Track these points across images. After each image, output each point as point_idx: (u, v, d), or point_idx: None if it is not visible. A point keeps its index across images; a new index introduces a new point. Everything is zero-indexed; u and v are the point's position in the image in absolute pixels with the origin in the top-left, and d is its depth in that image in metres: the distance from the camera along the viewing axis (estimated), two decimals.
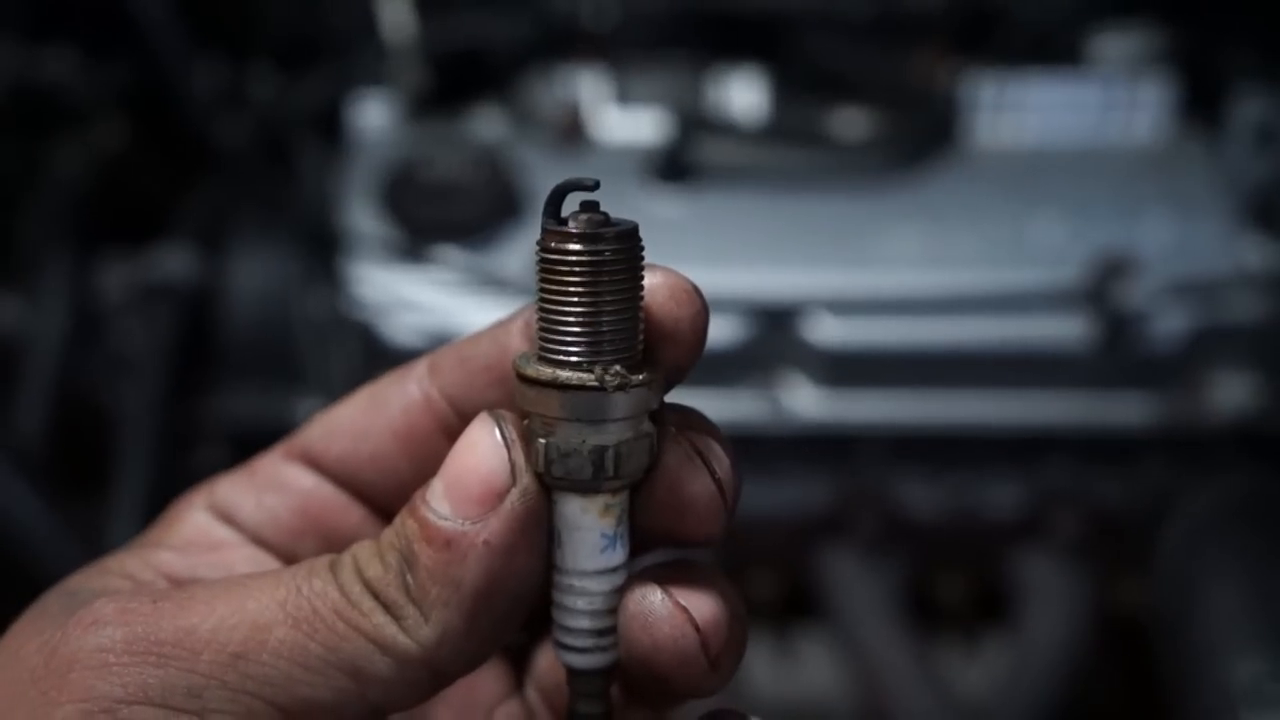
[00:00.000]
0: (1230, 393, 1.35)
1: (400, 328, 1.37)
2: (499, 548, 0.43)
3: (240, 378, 1.39)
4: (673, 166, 1.44)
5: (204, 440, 1.39)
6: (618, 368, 0.43)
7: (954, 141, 1.48)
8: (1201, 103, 1.50)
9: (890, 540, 1.38)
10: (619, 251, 0.43)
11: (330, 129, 1.52)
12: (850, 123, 1.50)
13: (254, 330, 1.39)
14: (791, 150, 1.46)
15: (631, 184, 1.44)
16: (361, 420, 0.50)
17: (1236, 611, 1.15)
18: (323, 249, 1.40)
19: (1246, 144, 1.45)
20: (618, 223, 0.44)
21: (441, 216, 1.38)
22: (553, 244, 0.43)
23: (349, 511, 0.51)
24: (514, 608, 0.44)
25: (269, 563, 0.50)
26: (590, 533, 0.45)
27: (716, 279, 1.34)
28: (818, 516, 1.38)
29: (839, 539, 1.38)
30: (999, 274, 1.36)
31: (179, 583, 0.48)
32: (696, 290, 0.46)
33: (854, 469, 1.38)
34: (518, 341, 0.48)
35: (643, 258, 0.44)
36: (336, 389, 1.35)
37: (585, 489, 0.44)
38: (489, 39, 1.55)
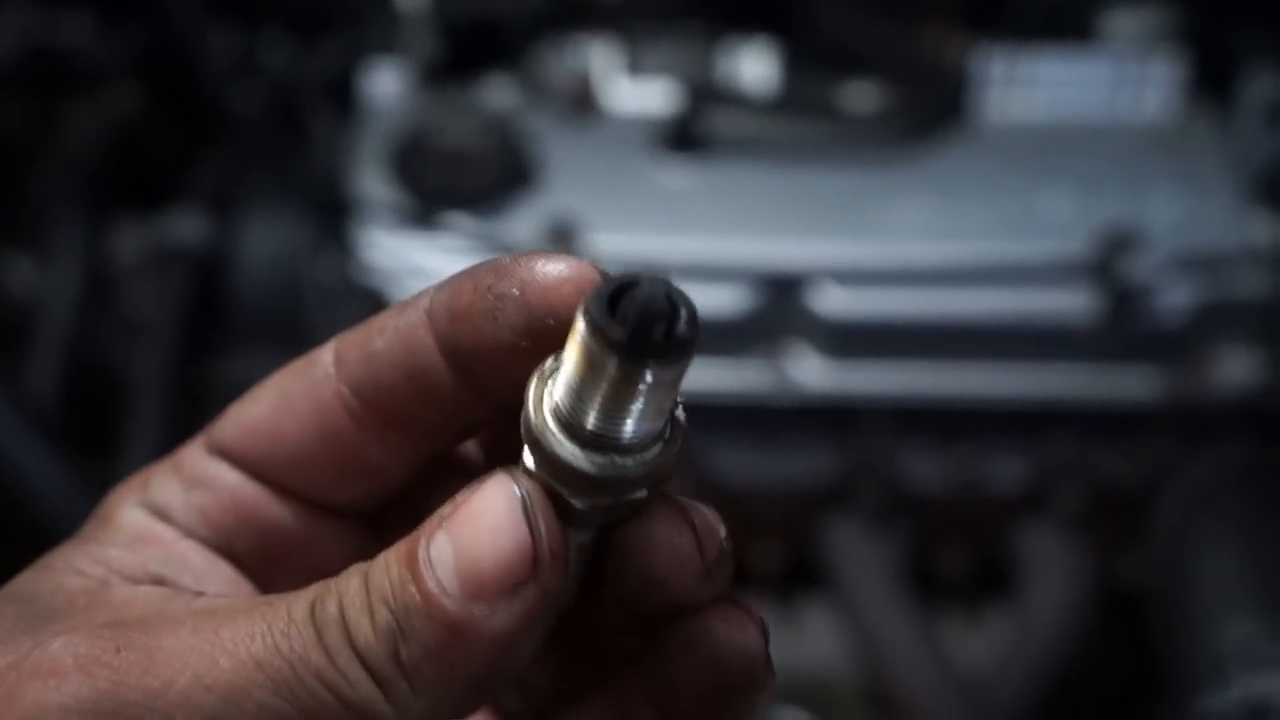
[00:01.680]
0: (1235, 368, 1.35)
1: (409, 293, 1.37)
2: (504, 638, 0.40)
3: (250, 341, 1.39)
4: (683, 137, 1.44)
5: (215, 403, 1.40)
6: (648, 447, 0.41)
7: (964, 116, 1.48)
8: (1212, 80, 1.50)
9: (894, 512, 1.38)
10: (670, 365, 0.39)
11: (342, 97, 1.52)
12: (860, 96, 1.50)
13: (265, 295, 1.40)
14: (801, 122, 1.46)
15: (641, 154, 1.44)
16: (273, 420, 0.48)
17: (1230, 576, 1.16)
18: (333, 215, 1.41)
19: (1257, 122, 1.45)
20: (676, 302, 0.38)
21: (452, 183, 1.39)
22: (603, 345, 0.39)
23: (278, 506, 0.49)
24: (506, 682, 0.42)
25: (212, 557, 0.49)
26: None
27: (724, 248, 1.36)
28: (821, 487, 1.38)
29: (842, 510, 1.38)
30: (1006, 247, 1.36)
31: (132, 579, 0.47)
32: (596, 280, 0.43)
33: (858, 440, 1.39)
34: (424, 336, 0.45)
35: (697, 343, 0.39)
36: None
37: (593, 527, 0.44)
38: (501, 9, 1.55)
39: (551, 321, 0.42)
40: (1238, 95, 1.46)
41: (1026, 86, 1.49)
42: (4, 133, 1.51)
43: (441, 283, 0.45)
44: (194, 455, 0.49)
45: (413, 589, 0.40)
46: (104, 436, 1.34)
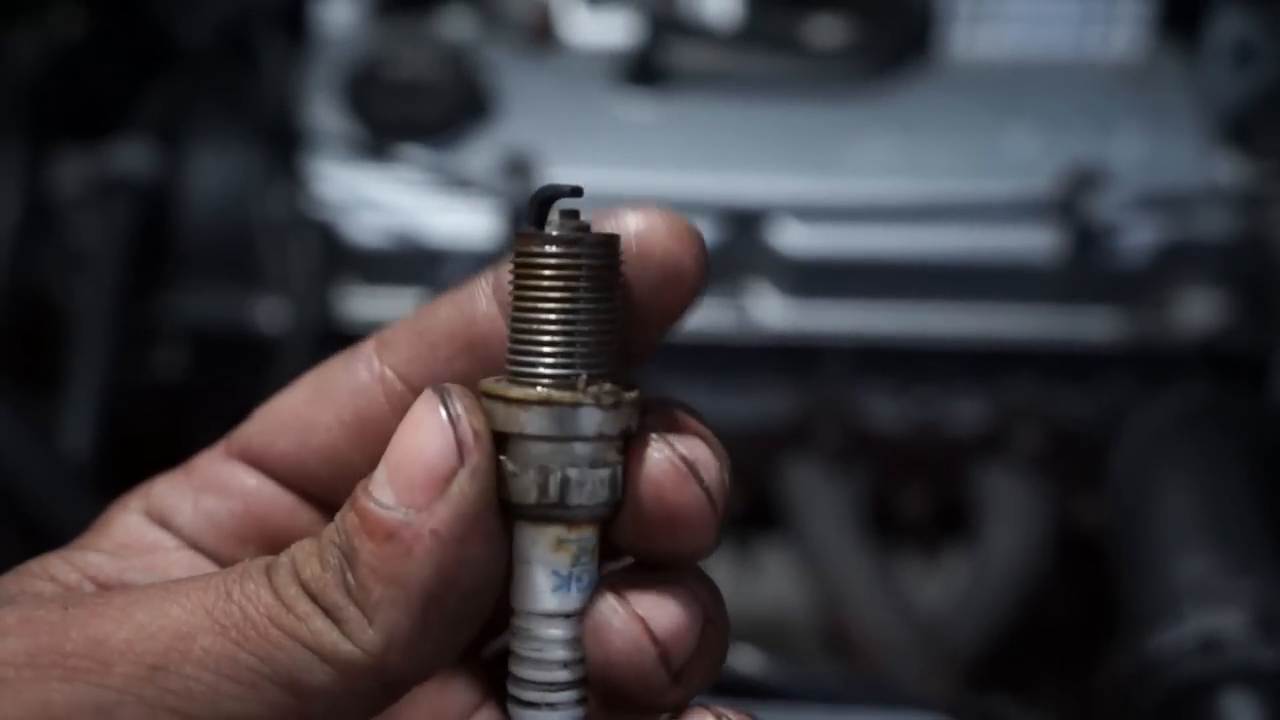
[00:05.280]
0: (1197, 309, 1.34)
1: (362, 226, 1.35)
2: (448, 537, 0.38)
3: (198, 275, 1.36)
4: (643, 70, 1.41)
5: (162, 339, 1.37)
6: (581, 383, 0.40)
7: (930, 51, 1.46)
8: (1179, 18, 1.48)
9: (853, 452, 1.37)
10: (592, 258, 0.40)
11: (294, 24, 1.49)
12: (825, 30, 1.47)
13: (213, 227, 1.37)
14: (765, 56, 1.44)
15: (600, 87, 1.42)
16: (306, 412, 0.45)
17: (1185, 512, 1.16)
18: (284, 146, 1.37)
19: (1224, 61, 1.43)
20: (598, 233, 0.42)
21: (405, 115, 1.36)
22: (525, 246, 0.41)
23: (297, 514, 0.46)
24: (469, 605, 0.40)
25: (208, 568, 0.46)
26: (539, 568, 0.41)
27: (685, 184, 1.34)
28: (781, 427, 1.37)
29: (802, 450, 1.37)
30: (970, 184, 1.34)
31: (107, 587, 0.44)
32: (696, 231, 0.42)
33: (819, 379, 1.37)
34: (484, 305, 0.43)
35: (620, 269, 0.41)
36: (296, 287, 1.33)
37: (533, 517, 0.41)
38: None
39: (637, 267, 0.42)
40: (1205, 34, 1.45)
41: (993, 22, 1.47)
42: None
43: (502, 268, 0.44)
44: (209, 459, 0.47)
45: (352, 514, 0.40)
46: (46, 370, 1.31)
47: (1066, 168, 1.34)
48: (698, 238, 0.42)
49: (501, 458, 0.40)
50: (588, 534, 0.41)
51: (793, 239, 1.35)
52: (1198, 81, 1.43)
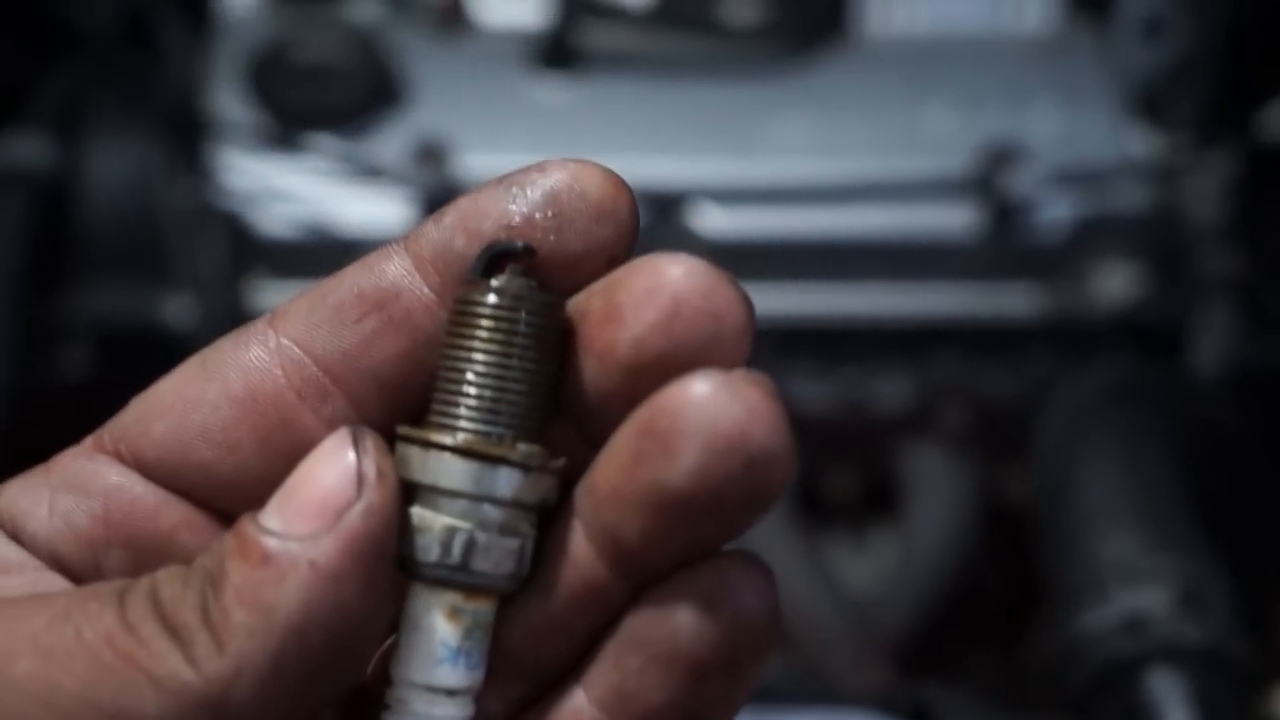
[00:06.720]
0: (1114, 282, 1.35)
1: (271, 218, 1.32)
2: (327, 572, 0.35)
3: (103, 271, 1.32)
4: (556, 51, 1.39)
5: (67, 338, 1.33)
6: (506, 441, 0.37)
7: (845, 30, 1.45)
8: None
9: None
10: (534, 314, 0.38)
11: (195, 8, 1.44)
12: (740, 8, 1.46)
13: (116, 221, 1.33)
14: (679, 36, 1.42)
15: (513, 70, 1.39)
16: (189, 390, 0.40)
17: (1109, 490, 1.16)
18: (188, 135, 1.34)
19: (1134, 34, 1.44)
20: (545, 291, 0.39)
21: (313, 101, 1.33)
22: (467, 294, 0.38)
23: (166, 511, 0.40)
24: (333, 656, 0.35)
25: (58, 583, 0.40)
26: (427, 636, 0.37)
27: None
28: None
29: None
30: (888, 163, 1.34)
31: None
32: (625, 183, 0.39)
33: None
34: (396, 261, 0.39)
35: (563, 331, 0.38)
36: (204, 282, 1.29)
37: (431, 578, 0.37)
38: None
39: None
40: (1115, 7, 1.46)
41: None
42: None
43: (420, 225, 0.39)
44: (73, 455, 0.41)
45: (230, 538, 0.35)
46: None
47: (984, 145, 1.34)
48: (628, 188, 0.39)
49: (410, 509, 0.37)
50: (485, 607, 0.38)
51: (712, 221, 1.34)
52: (1109, 55, 1.44)
